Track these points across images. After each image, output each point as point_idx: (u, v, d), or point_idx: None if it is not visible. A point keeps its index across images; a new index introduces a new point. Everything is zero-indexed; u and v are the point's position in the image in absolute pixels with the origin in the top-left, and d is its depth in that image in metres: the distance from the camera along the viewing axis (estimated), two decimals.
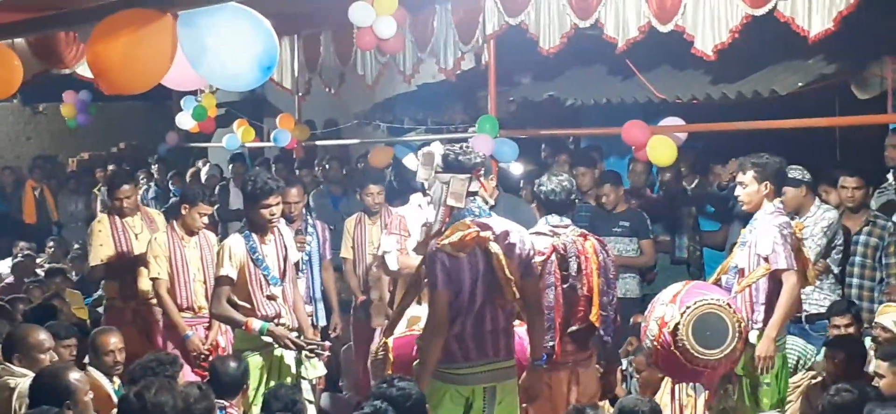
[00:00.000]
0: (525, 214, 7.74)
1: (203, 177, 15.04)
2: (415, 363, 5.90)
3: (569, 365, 6.59)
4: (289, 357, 6.96)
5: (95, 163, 18.65)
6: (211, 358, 7.67)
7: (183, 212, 8.17)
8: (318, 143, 14.62)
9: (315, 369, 7.09)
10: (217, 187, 13.69)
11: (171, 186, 15.13)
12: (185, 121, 14.57)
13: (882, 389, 6.01)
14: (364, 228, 8.87)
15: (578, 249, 6.51)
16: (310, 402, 6.98)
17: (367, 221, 8.90)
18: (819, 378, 7.10)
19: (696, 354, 6.24)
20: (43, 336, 6.39)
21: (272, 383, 6.86)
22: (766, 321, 6.49)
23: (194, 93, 13.90)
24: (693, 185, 10.26)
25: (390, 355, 6.20)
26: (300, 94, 13.65)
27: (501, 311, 5.76)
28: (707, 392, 6.91)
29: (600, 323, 6.49)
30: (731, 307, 6.34)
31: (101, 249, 8.42)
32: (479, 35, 10.11)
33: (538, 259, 6.23)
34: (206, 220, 8.30)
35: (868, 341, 7.03)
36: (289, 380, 6.90)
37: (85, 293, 11.20)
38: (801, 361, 7.22)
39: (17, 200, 17.09)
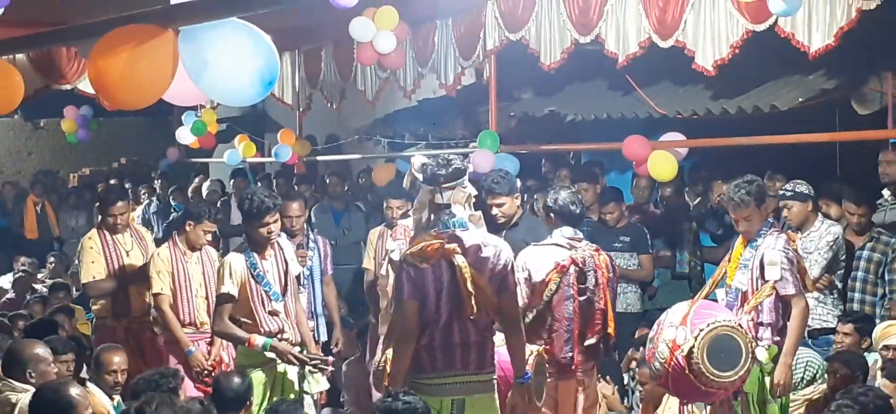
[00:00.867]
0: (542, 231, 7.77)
1: (204, 192, 15.04)
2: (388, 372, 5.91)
3: (578, 375, 6.71)
4: (292, 372, 6.95)
5: (96, 178, 18.69)
6: (214, 373, 7.67)
7: (187, 228, 8.15)
8: (318, 158, 14.63)
9: (318, 384, 7.07)
10: (219, 203, 13.68)
11: (172, 201, 15.13)
12: (185, 136, 14.59)
13: None
14: (385, 241, 8.89)
15: (596, 262, 6.68)
16: None
17: (388, 234, 8.92)
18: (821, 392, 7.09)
19: (711, 377, 6.20)
20: (42, 351, 6.38)
21: (275, 399, 6.85)
22: (771, 338, 6.52)
23: (195, 108, 13.92)
24: (696, 202, 10.26)
25: (389, 367, 6.19)
26: (301, 109, 13.69)
27: (472, 323, 5.69)
28: (710, 407, 6.90)
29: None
30: (743, 328, 6.33)
31: (93, 266, 8.29)
32: (480, 50, 10.14)
33: (551, 272, 6.40)
34: (210, 237, 8.28)
35: (872, 359, 7.00)
36: (292, 395, 6.89)
37: (86, 308, 11.19)
38: (819, 373, 7.20)
39: (19, 216, 17.09)
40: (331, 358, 7.34)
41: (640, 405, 7.87)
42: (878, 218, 8.22)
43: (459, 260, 5.57)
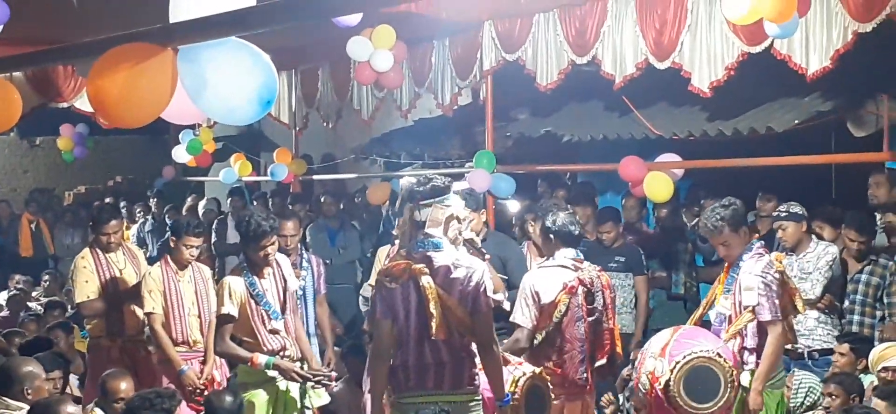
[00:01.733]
0: (511, 250, 7.78)
1: (201, 211, 15.04)
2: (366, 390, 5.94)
3: (584, 396, 6.78)
4: (294, 389, 7.00)
5: (92, 196, 18.69)
6: (206, 393, 7.66)
7: (171, 244, 8.15)
8: (314, 177, 14.64)
9: (319, 397, 7.13)
10: (215, 222, 13.69)
11: (167, 220, 15.11)
12: (181, 155, 14.59)
13: None
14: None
15: (602, 283, 6.78)
16: None
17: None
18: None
19: (689, 410, 6.21)
20: (36, 368, 6.38)
21: None
22: (755, 362, 6.48)
23: (193, 127, 13.93)
24: (693, 223, 10.25)
25: None
26: (297, 128, 13.70)
27: (444, 343, 5.65)
28: None
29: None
30: (722, 357, 6.24)
31: (87, 285, 8.24)
32: (477, 71, 10.16)
33: (560, 293, 6.50)
34: (195, 252, 8.19)
35: (868, 381, 7.00)
36: (295, 413, 6.97)
37: (80, 327, 11.17)
38: (820, 399, 7.17)
39: (14, 233, 17.07)
40: (334, 374, 7.37)
41: None
42: (879, 241, 8.23)
43: (425, 281, 5.57)
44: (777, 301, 6.43)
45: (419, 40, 10.80)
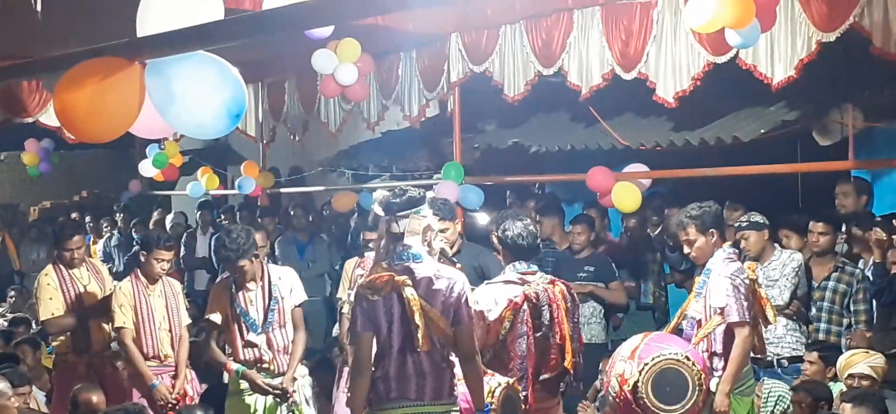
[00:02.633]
0: (488, 259, 7.77)
1: (168, 225, 14.98)
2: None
3: (539, 413, 6.58)
4: (260, 406, 7.16)
5: (58, 211, 18.56)
6: (178, 407, 7.63)
7: (141, 258, 8.12)
8: (282, 190, 14.60)
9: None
10: (184, 235, 13.62)
11: (134, 234, 15.04)
12: (148, 169, 14.53)
13: None
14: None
15: (550, 296, 6.50)
16: None
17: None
18: None
19: (656, 412, 6.23)
20: (3, 385, 6.34)
21: None
22: (725, 369, 6.49)
23: (159, 141, 13.87)
24: (657, 233, 10.30)
25: None
26: (264, 141, 13.67)
27: (426, 354, 5.65)
28: None
29: (573, 369, 6.52)
30: (690, 360, 6.27)
31: (51, 302, 8.12)
32: (444, 83, 10.17)
33: (505, 310, 6.28)
34: (166, 266, 8.15)
35: (837, 389, 7.04)
36: None
37: (45, 343, 11.09)
38: (789, 408, 7.21)
39: None
40: (291, 390, 7.32)
41: None
42: (840, 248, 8.28)
43: (409, 292, 5.57)
44: (745, 303, 6.46)
45: (386, 52, 10.80)
